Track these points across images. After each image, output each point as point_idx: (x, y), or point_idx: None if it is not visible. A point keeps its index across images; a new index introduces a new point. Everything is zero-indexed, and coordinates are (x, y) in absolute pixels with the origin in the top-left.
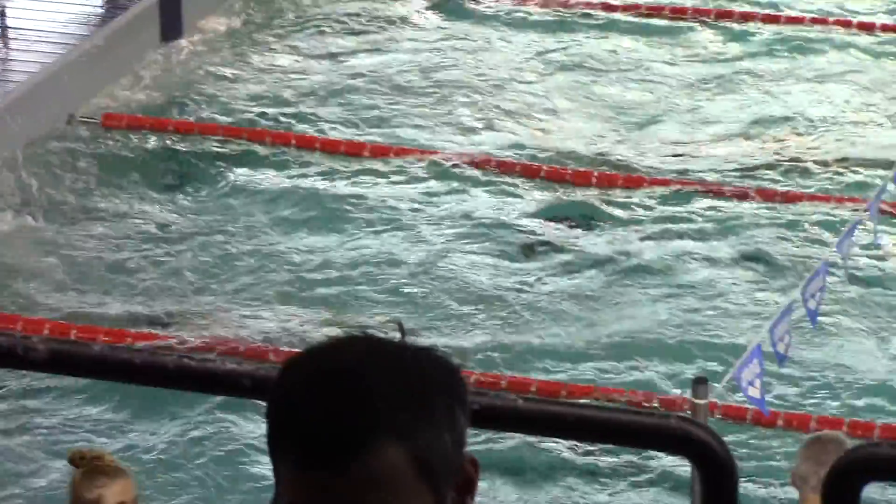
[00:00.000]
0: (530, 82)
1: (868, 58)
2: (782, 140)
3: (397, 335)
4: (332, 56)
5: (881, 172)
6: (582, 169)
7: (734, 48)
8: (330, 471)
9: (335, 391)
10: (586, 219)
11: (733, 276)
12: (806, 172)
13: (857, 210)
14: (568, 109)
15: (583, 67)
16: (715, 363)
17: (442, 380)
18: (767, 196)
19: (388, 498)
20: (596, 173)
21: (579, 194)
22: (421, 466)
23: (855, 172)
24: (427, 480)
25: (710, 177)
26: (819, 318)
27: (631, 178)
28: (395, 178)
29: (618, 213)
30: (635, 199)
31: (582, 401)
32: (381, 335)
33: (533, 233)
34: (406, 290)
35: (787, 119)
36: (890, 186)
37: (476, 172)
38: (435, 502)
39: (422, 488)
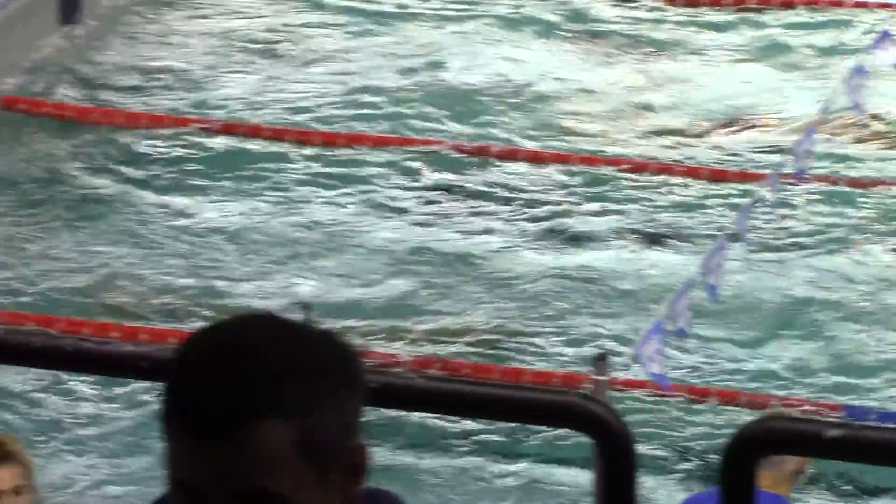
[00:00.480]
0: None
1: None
2: (684, 118)
3: (304, 315)
4: (234, 36)
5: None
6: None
7: (645, 27)
8: (210, 443)
9: (224, 365)
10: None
11: (637, 253)
12: (707, 147)
13: (757, 186)
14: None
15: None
16: (616, 343)
17: (336, 363)
18: (670, 171)
19: (266, 474)
20: (498, 150)
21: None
22: (304, 447)
23: (757, 151)
24: (309, 461)
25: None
26: (719, 293)
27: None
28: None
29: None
30: (540, 175)
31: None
32: (286, 316)
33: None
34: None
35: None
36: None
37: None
38: (317, 483)
39: (303, 468)
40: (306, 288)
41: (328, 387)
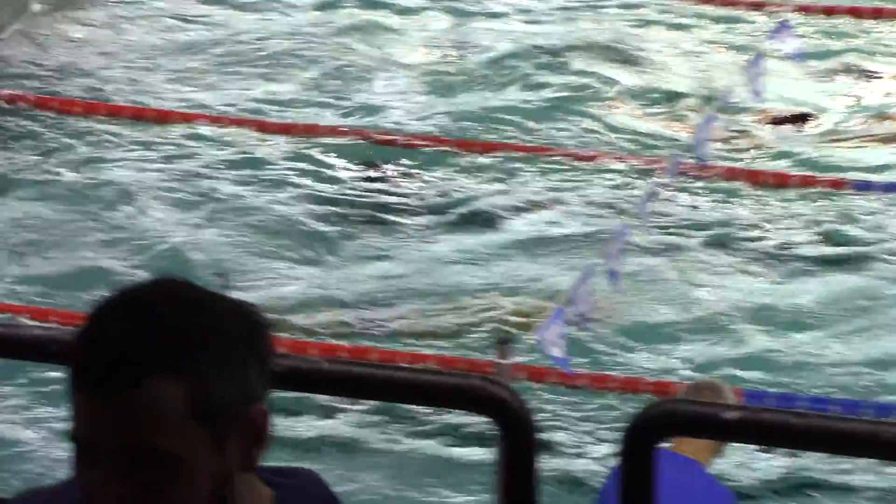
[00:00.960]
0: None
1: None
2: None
3: (221, 282)
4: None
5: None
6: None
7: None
8: (104, 397)
9: (124, 323)
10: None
11: (546, 241)
12: (610, 132)
13: (656, 171)
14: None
15: None
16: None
17: (240, 330)
18: (568, 155)
19: (157, 432)
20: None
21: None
22: (198, 407)
23: (657, 138)
24: (204, 422)
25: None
26: (620, 279)
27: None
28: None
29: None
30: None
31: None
32: (199, 282)
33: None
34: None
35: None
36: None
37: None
38: (213, 445)
39: (197, 429)
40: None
41: (229, 351)
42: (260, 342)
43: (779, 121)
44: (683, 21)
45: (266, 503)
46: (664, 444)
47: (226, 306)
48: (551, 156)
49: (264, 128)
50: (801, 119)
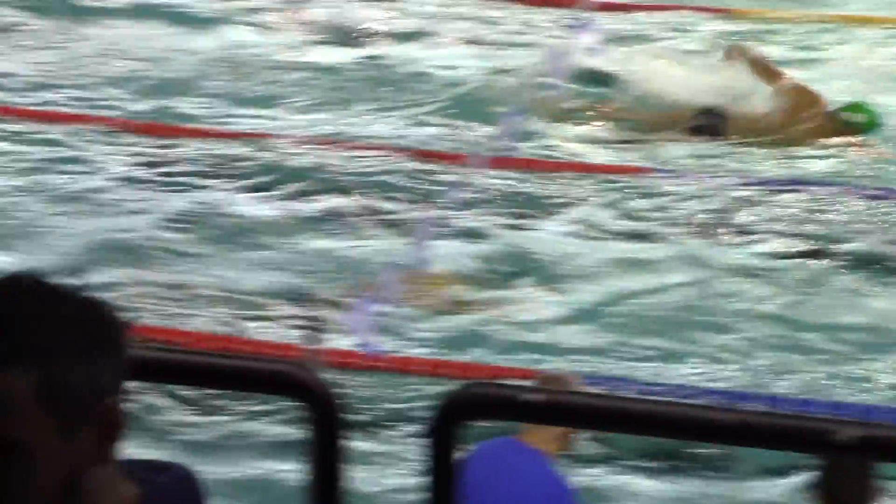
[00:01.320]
0: None
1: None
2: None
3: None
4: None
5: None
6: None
7: None
8: None
9: None
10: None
11: (353, 228)
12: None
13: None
14: None
15: None
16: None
17: (92, 324)
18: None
19: (4, 419)
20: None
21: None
22: (46, 397)
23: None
24: (53, 412)
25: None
26: (428, 265)
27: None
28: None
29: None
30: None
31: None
32: (57, 281)
33: None
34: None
35: None
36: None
37: None
38: (63, 436)
39: (45, 419)
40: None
41: (79, 343)
42: (113, 334)
43: (696, 130)
44: (487, 14)
45: (131, 501)
46: (513, 435)
47: (78, 302)
48: (356, 148)
49: None
50: (715, 131)
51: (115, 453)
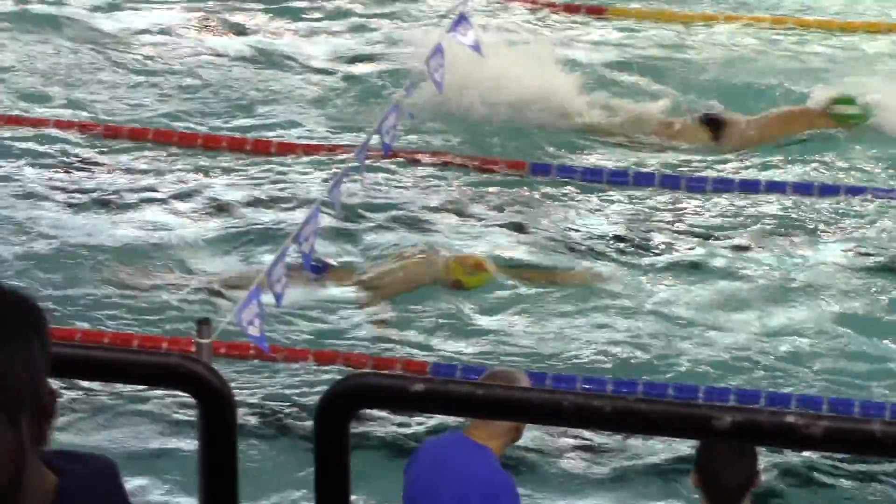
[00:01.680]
0: None
1: None
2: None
3: None
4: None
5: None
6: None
7: None
8: None
9: None
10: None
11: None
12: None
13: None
14: None
15: None
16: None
17: (25, 316)
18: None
19: None
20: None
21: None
22: None
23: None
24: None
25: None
26: (312, 262)
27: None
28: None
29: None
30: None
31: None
32: None
33: None
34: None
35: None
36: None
37: None
38: (7, 423)
39: None
40: None
41: (17, 335)
42: (42, 324)
43: (704, 120)
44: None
45: (50, 489)
46: (459, 430)
47: (9, 295)
48: (238, 149)
49: None
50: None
51: (48, 439)
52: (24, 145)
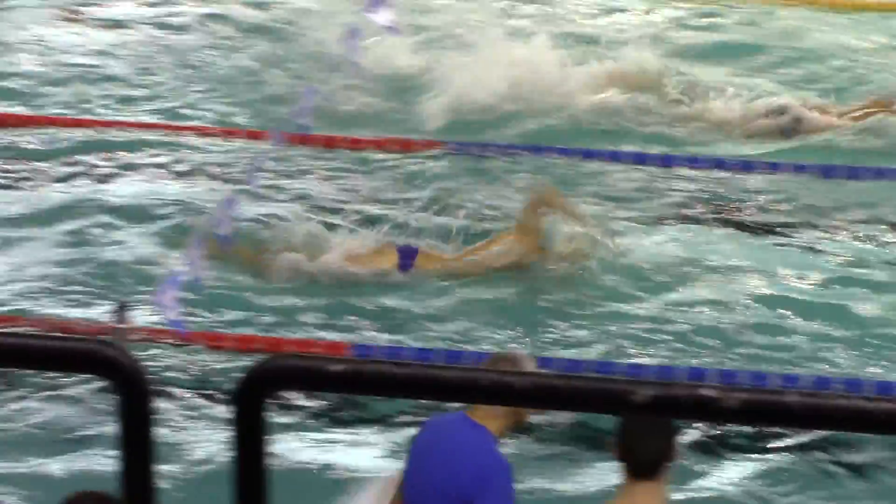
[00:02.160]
0: None
1: None
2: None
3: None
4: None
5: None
6: None
7: None
8: None
9: None
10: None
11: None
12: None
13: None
14: None
15: None
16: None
17: None
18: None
19: None
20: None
21: None
22: None
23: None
24: None
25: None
26: (230, 243)
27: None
28: None
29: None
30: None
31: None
32: None
33: None
34: None
35: None
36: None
37: None
38: None
39: None
40: None
41: None
42: None
43: (763, 114)
44: None
45: None
46: (465, 411)
47: None
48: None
49: None
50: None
51: None
52: None
